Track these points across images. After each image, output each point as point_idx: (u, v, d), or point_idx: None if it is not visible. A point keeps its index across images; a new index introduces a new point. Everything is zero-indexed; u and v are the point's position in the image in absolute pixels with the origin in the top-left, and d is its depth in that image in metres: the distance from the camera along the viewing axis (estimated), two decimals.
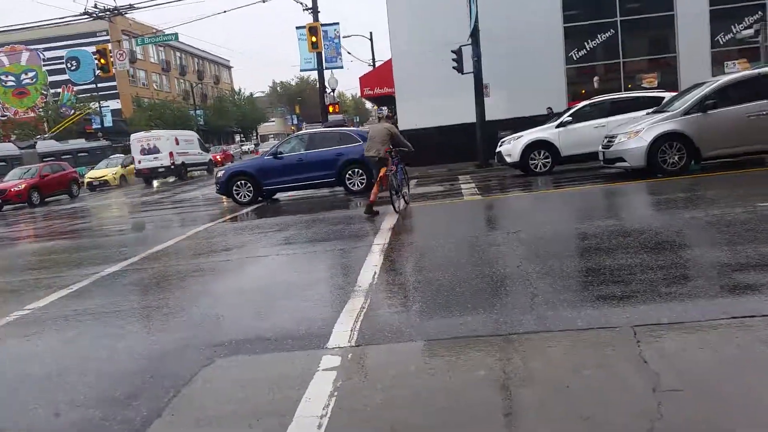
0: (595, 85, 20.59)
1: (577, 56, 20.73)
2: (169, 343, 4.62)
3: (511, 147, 14.62)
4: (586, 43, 20.62)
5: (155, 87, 62.02)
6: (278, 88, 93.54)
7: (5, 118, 51.33)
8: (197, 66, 74.51)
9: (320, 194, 15.81)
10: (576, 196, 10.80)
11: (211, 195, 18.31)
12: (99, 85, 44.68)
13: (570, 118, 14.26)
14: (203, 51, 75.39)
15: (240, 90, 79.60)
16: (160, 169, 31.01)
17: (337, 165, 14.51)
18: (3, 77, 54.53)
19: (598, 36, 20.51)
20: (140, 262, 8.30)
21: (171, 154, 31.11)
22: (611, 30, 20.41)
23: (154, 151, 30.91)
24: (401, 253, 7.19)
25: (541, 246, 6.59)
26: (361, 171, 14.50)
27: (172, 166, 31.17)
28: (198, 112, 58.80)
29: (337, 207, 12.86)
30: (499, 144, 15.42)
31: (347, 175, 14.57)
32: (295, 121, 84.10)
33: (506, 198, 11.73)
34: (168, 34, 24.21)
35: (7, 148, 32.52)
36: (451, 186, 14.46)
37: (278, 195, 15.66)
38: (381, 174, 10.41)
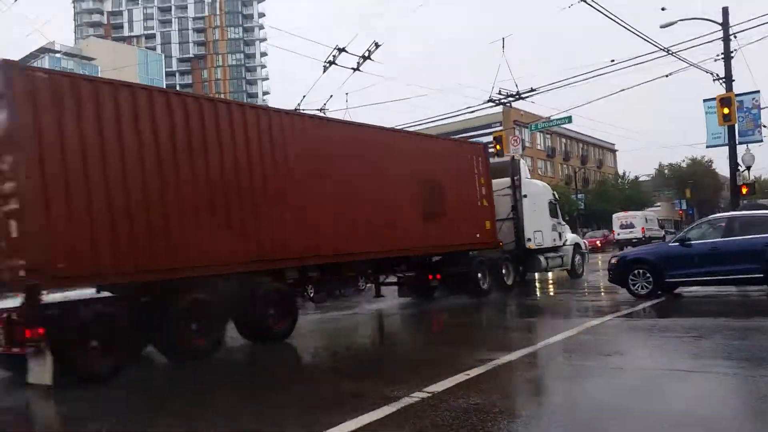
0: None
1: None
2: None
3: None
4: None
5: (539, 173, 64.31)
6: (665, 171, 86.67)
7: None
8: (581, 151, 74.88)
9: (736, 293, 12.89)
10: None
11: (603, 282, 16.94)
12: None
13: None
14: (588, 136, 75.42)
15: (624, 173, 76.51)
16: (634, 240, 39.45)
17: (766, 258, 11.52)
18: None
19: None
20: (536, 355, 7.54)
21: (642, 228, 42.42)
22: None
23: (630, 226, 42.70)
24: None
25: None
26: None
27: (644, 238, 40.05)
28: (579, 196, 58.31)
29: None
30: None
31: None
32: (684, 207, 76.09)
33: None
34: (562, 118, 24.37)
35: None
36: None
37: (680, 290, 13.31)
38: None
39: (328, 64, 14.10)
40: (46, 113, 7.20)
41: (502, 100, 17.33)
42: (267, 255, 9.39)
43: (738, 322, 8.95)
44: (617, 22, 14.78)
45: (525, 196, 16.54)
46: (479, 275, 14.47)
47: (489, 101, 17.35)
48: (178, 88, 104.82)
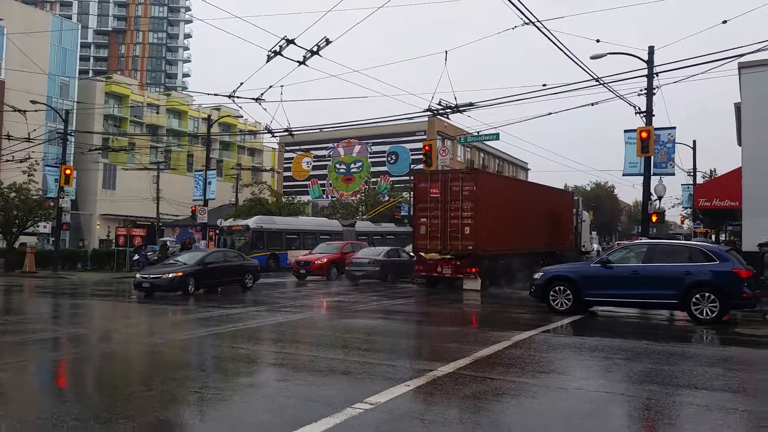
0: None
1: None
2: None
3: None
4: None
5: None
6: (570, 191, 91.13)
7: (335, 199, 59.36)
8: (497, 166, 77.24)
9: (639, 315, 13.55)
10: None
11: (521, 295, 17.28)
12: (411, 177, 48.62)
13: None
14: (504, 153, 78.10)
15: None
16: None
17: (683, 285, 12.08)
18: (337, 165, 63.96)
19: None
20: (472, 367, 7.38)
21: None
22: None
23: None
24: None
25: None
26: (712, 296, 11.83)
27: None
28: None
29: (686, 339, 10.56)
30: None
31: (693, 300, 12.03)
32: None
33: None
34: (490, 134, 24.80)
35: (333, 225, 37.18)
36: None
37: (594, 308, 13.76)
38: None
39: (273, 54, 13.28)
40: (483, 186, 19.52)
41: (441, 111, 17.26)
42: (529, 246, 22.88)
43: (660, 346, 9.22)
44: (557, 45, 15.10)
45: (584, 221, 31.95)
46: None
47: (428, 110, 17.25)
48: (92, 60, 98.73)
